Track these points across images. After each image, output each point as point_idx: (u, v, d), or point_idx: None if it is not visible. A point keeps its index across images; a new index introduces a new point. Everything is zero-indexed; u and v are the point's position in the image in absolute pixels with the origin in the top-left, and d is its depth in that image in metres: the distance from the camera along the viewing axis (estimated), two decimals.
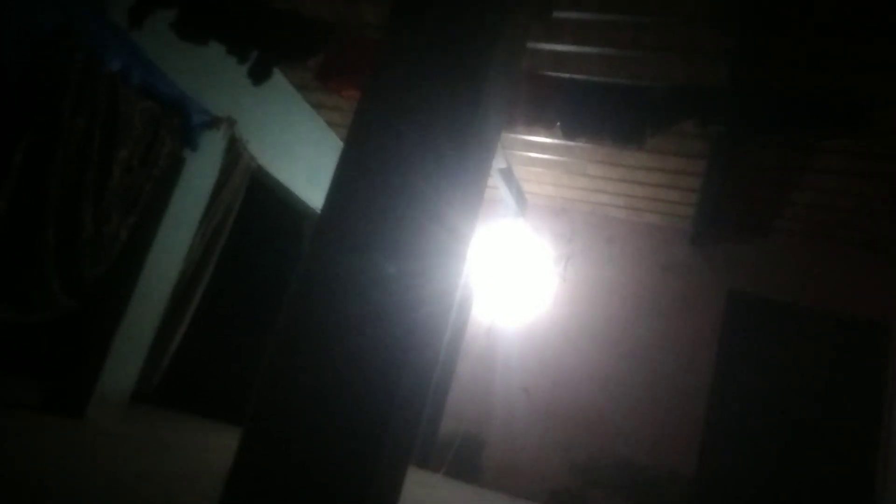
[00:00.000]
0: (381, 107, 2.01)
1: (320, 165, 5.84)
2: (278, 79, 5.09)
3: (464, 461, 6.00)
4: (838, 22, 3.18)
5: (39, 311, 3.59)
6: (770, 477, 5.41)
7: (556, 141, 5.20)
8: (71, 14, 3.37)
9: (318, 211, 3.09)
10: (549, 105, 3.12)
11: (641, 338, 6.00)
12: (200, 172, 4.52)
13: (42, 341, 4.67)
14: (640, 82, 3.48)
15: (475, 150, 2.00)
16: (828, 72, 3.54)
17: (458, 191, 1.91)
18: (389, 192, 1.88)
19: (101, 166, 3.69)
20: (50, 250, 3.50)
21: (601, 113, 3.02)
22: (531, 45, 3.81)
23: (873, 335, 5.51)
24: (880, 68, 3.41)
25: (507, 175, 5.89)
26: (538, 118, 3.16)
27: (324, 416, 1.73)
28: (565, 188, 6.19)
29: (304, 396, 1.76)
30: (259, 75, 3.39)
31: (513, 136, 5.27)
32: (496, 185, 5.95)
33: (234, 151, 4.74)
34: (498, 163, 5.50)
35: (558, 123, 3.15)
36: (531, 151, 5.55)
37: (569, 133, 3.11)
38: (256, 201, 5.56)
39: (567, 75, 3.47)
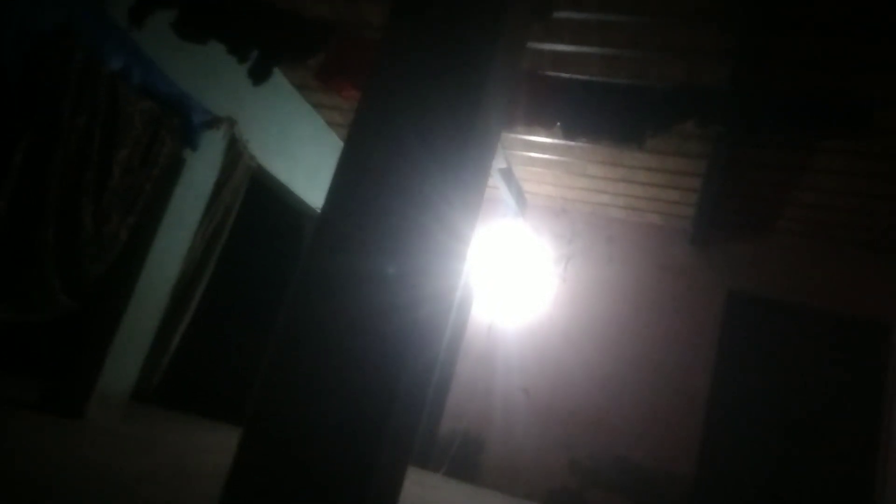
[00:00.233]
0: (381, 107, 2.01)
1: (320, 165, 5.84)
2: (278, 79, 5.09)
3: (463, 461, 6.00)
4: (839, 22, 3.18)
5: (39, 310, 3.60)
6: (770, 477, 5.41)
7: (556, 141, 5.20)
8: (71, 14, 3.38)
9: (318, 211, 3.09)
10: (549, 105, 3.12)
11: (641, 338, 6.00)
12: (200, 172, 4.52)
13: (42, 341, 4.67)
14: (640, 82, 3.49)
15: (475, 150, 2.00)
16: (828, 72, 3.54)
17: (458, 191, 1.91)
18: (389, 192, 1.88)
19: (101, 166, 3.69)
20: (50, 250, 3.50)
21: (601, 113, 3.02)
22: (531, 45, 3.81)
23: (873, 335, 5.52)
24: (881, 68, 3.41)
25: (507, 175, 5.89)
26: (538, 118, 3.16)
27: (324, 415, 1.73)
28: (565, 188, 6.19)
29: (304, 396, 1.76)
30: (259, 75, 3.39)
31: (513, 136, 5.27)
32: (496, 185, 5.95)
33: (235, 151, 4.74)
34: (498, 163, 5.50)
35: (558, 123, 3.15)
36: (531, 151, 5.55)
37: (569, 133, 3.11)
38: (256, 201, 5.56)
39: (567, 75, 3.47)
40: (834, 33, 3.26)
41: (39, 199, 3.38)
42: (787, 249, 5.86)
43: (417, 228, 1.84)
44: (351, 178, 1.95)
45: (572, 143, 4.99)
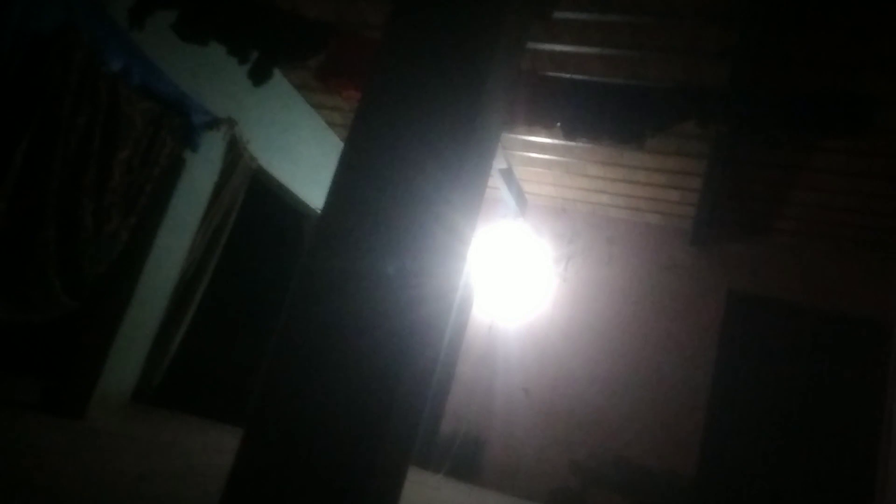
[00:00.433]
0: (381, 107, 2.02)
1: (320, 165, 5.84)
2: (278, 79, 5.09)
3: (464, 461, 6.00)
4: (839, 20, 3.18)
5: (40, 310, 3.59)
6: (770, 477, 5.41)
7: (556, 141, 5.20)
8: (72, 14, 3.38)
9: (319, 211, 3.09)
10: (549, 105, 3.12)
11: (641, 337, 5.99)
12: (201, 173, 4.52)
13: (42, 341, 4.67)
14: (640, 82, 3.49)
15: (475, 150, 2.00)
16: (828, 72, 3.54)
17: (458, 191, 1.91)
18: (389, 192, 1.88)
19: (101, 166, 3.69)
20: (50, 250, 3.50)
21: (601, 113, 3.01)
22: (531, 45, 3.81)
23: (873, 335, 5.51)
24: (881, 68, 3.41)
25: (508, 175, 5.89)
26: (538, 118, 3.16)
27: (324, 415, 1.73)
28: (565, 188, 6.19)
29: (305, 396, 1.76)
30: (259, 76, 3.39)
31: (513, 136, 5.27)
32: (496, 185, 5.95)
33: (235, 152, 4.74)
34: (498, 163, 5.49)
35: (558, 123, 3.14)
36: (531, 151, 5.55)
37: (569, 133, 3.11)
38: (257, 201, 5.56)
39: (567, 75, 3.47)
40: (834, 32, 3.26)
41: (40, 199, 3.38)
42: (787, 249, 5.86)
43: (417, 228, 1.84)
44: (351, 178, 1.95)
45: (572, 144, 4.98)
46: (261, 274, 6.16)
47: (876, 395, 5.35)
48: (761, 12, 3.22)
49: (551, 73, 3.43)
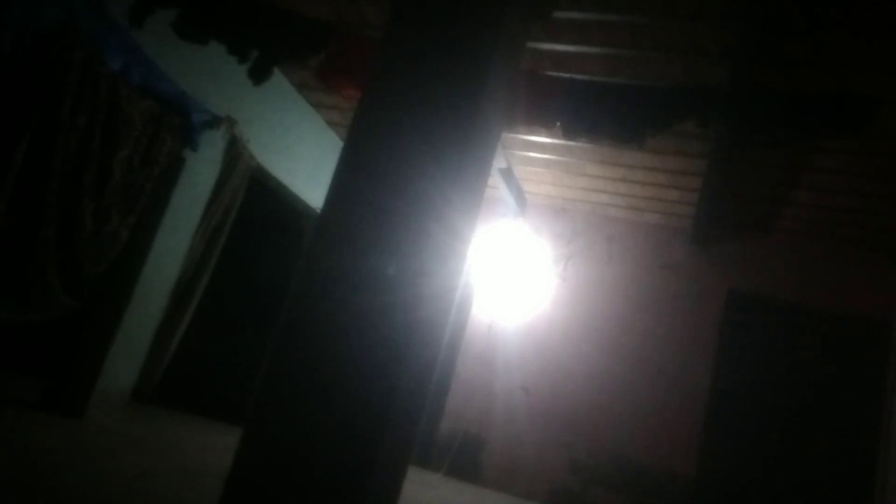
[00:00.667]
0: (381, 107, 2.02)
1: (320, 165, 5.84)
2: (278, 78, 5.09)
3: (464, 460, 6.00)
4: (839, 21, 3.18)
5: (40, 310, 3.59)
6: (770, 476, 5.42)
7: (556, 141, 5.20)
8: (72, 12, 3.37)
9: (318, 210, 3.09)
10: (549, 105, 3.12)
11: (641, 337, 6.00)
12: (201, 172, 4.52)
13: (42, 341, 4.67)
14: (640, 82, 3.48)
15: (475, 150, 2.00)
16: (829, 71, 3.54)
17: (458, 191, 1.91)
18: (389, 192, 1.89)
19: (101, 165, 3.69)
20: (50, 250, 3.50)
21: (601, 113, 3.01)
22: (531, 45, 3.80)
23: (873, 334, 5.51)
24: (881, 68, 3.41)
25: (507, 175, 5.89)
26: (538, 118, 3.16)
27: (324, 415, 1.73)
28: (565, 188, 6.19)
29: (305, 396, 1.76)
30: (259, 75, 3.39)
31: (513, 136, 5.27)
32: (496, 185, 5.94)
33: (235, 151, 4.74)
34: (498, 163, 5.49)
35: (558, 123, 3.15)
36: (531, 151, 5.55)
37: (569, 133, 3.11)
38: (256, 201, 5.56)
39: (567, 75, 3.46)
40: (835, 32, 3.26)
41: (40, 199, 3.38)
42: (787, 249, 5.86)
43: (417, 228, 1.84)
44: (351, 177, 1.95)
45: (572, 143, 4.98)
46: (260, 273, 6.16)
47: (876, 395, 5.35)
48: (761, 12, 3.22)
49: (551, 73, 3.43)
